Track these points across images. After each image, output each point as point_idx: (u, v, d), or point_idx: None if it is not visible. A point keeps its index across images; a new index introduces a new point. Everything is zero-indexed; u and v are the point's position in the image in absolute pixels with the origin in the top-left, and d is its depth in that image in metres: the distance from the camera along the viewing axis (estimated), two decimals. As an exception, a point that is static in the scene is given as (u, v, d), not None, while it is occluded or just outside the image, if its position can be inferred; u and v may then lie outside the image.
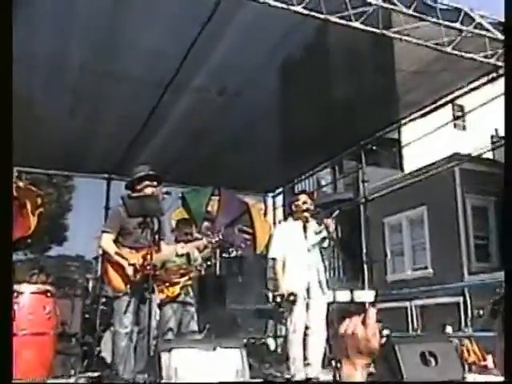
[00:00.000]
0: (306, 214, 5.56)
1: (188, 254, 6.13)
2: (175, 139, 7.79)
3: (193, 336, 5.94)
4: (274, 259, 5.61)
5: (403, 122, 7.96)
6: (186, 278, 6.15)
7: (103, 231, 4.78)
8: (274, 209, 11.12)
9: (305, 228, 5.58)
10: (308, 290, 5.35)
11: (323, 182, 15.84)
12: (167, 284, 6.10)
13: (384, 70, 6.41)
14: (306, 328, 5.37)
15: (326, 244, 5.69)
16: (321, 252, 5.65)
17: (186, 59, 5.83)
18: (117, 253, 4.75)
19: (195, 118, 7.23)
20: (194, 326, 6.04)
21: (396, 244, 15.83)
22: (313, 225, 5.69)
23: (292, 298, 5.26)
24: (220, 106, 6.94)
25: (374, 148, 8.74)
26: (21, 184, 8.53)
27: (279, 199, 11.48)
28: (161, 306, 6.14)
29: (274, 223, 10.77)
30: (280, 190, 11.23)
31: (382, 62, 6.26)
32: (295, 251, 5.47)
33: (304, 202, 5.62)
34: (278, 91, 6.79)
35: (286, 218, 6.36)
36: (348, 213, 13.48)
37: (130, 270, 4.66)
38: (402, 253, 15.69)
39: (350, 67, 6.31)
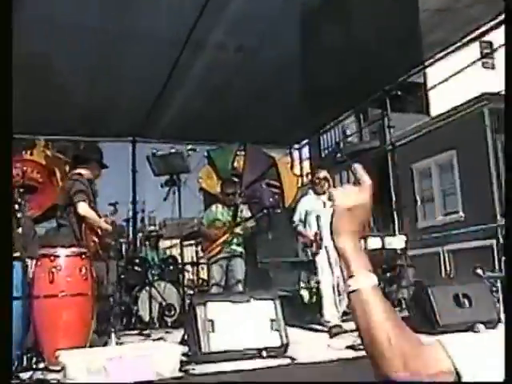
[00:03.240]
0: (325, 186, 5.96)
1: (235, 211, 6.39)
2: (197, 97, 7.74)
3: (236, 287, 6.31)
4: (297, 226, 6.06)
5: (428, 63, 7.74)
6: (228, 234, 6.45)
7: (78, 201, 4.81)
8: (301, 161, 11.07)
9: (325, 203, 5.83)
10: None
11: (348, 132, 15.66)
12: (211, 241, 6.44)
13: (406, 11, 6.18)
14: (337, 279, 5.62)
15: None
16: None
17: (201, 15, 5.74)
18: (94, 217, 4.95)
19: (216, 75, 7.16)
20: (239, 276, 6.40)
21: (426, 190, 15.64)
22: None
23: (318, 237, 5.64)
24: (239, 61, 6.85)
25: (399, 93, 8.56)
26: (48, 153, 8.69)
27: (305, 151, 11.42)
28: (208, 262, 6.54)
29: (301, 176, 10.76)
30: (305, 141, 11.15)
31: (404, 2, 6.05)
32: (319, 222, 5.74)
33: (323, 177, 6.01)
34: (297, 41, 6.65)
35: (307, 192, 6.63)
36: (375, 161, 13.34)
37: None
38: (432, 198, 15.51)
39: (369, 10, 6.10)
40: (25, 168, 4.63)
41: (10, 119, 2.12)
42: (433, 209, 15.45)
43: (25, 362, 3.79)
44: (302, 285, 7.60)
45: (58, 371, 3.52)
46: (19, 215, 4.31)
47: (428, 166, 15.34)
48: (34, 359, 3.93)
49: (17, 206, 4.33)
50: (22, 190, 4.29)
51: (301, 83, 7.91)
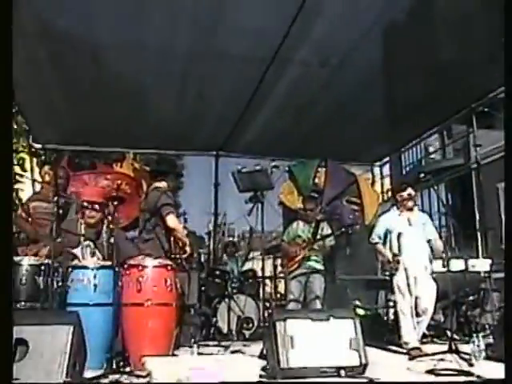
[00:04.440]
0: (409, 204, 5.77)
1: (316, 229, 6.46)
2: (280, 114, 7.86)
3: (314, 303, 6.40)
4: (375, 243, 5.95)
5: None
6: (307, 251, 6.55)
7: (168, 213, 4.98)
8: (382, 178, 10.94)
9: (409, 220, 5.75)
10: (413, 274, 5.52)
11: (431, 149, 15.30)
12: (291, 257, 6.64)
13: (498, 23, 5.97)
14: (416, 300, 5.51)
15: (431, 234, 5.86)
16: (429, 241, 5.81)
17: (288, 34, 5.86)
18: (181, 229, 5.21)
19: (299, 92, 7.24)
20: (318, 293, 6.48)
21: (513, 210, 14.95)
22: (417, 214, 5.89)
23: (396, 259, 5.54)
24: (323, 78, 6.90)
25: (487, 110, 8.28)
26: (136, 165, 9.11)
27: (386, 168, 11.29)
28: (286, 277, 6.65)
29: (382, 192, 10.63)
30: (387, 159, 11.03)
31: (497, 15, 5.85)
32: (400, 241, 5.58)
33: (409, 195, 5.79)
34: (382, 59, 6.61)
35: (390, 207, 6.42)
36: (459, 179, 12.95)
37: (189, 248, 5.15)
38: (519, 219, 14.82)
39: (458, 26, 5.95)
40: (119, 181, 4.87)
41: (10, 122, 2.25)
42: (520, 230, 14.76)
43: (114, 365, 3.99)
44: (381, 304, 7.49)
45: (144, 377, 3.69)
46: (112, 226, 4.55)
47: (516, 186, 14.69)
48: (121, 363, 4.14)
49: (110, 218, 4.58)
50: (115, 202, 4.52)
51: (384, 100, 7.83)
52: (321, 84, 7.05)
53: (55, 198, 4.45)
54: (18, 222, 5.51)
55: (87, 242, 5.05)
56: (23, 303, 4.32)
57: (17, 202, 7.16)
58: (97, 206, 5.04)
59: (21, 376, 3.18)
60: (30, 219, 5.48)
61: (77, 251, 4.89)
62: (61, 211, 4.74)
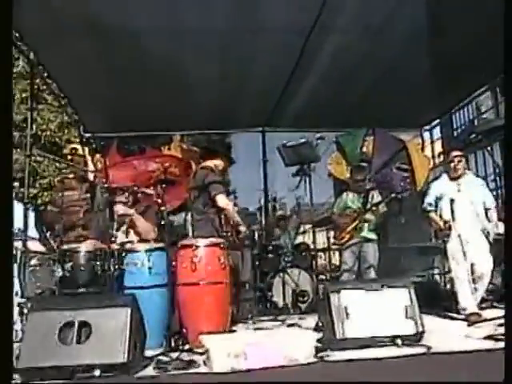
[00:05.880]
0: (460, 168, 5.68)
1: (366, 198, 6.57)
2: (324, 85, 7.74)
3: (369, 272, 6.43)
4: (428, 211, 5.86)
5: None
6: (358, 221, 6.55)
7: (218, 193, 5.01)
8: (432, 142, 10.67)
9: (459, 185, 5.67)
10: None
11: (483, 108, 14.76)
12: (342, 229, 6.64)
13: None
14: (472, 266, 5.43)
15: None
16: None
17: (325, 2, 5.74)
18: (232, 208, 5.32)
19: (341, 61, 7.10)
20: (372, 262, 6.50)
21: None
22: (468, 178, 5.78)
23: (447, 225, 5.45)
24: (365, 45, 6.74)
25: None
26: (184, 146, 9.23)
27: (436, 131, 11.00)
28: (340, 248, 6.82)
29: (433, 157, 10.40)
30: (436, 122, 10.73)
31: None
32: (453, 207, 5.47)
33: (459, 160, 5.70)
34: (426, 18, 6.37)
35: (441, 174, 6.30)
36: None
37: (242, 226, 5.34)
38: None
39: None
40: (166, 164, 4.96)
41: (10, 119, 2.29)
42: None
43: (172, 344, 4.11)
44: (436, 271, 7.39)
45: (202, 354, 3.79)
46: (162, 208, 4.64)
47: None
48: (180, 341, 4.26)
49: (159, 201, 4.67)
50: (164, 185, 4.61)
51: (430, 62, 7.57)
52: (363, 51, 6.88)
53: (105, 185, 4.57)
54: (50, 215, 5.69)
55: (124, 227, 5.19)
56: (83, 288, 4.47)
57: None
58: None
59: (86, 356, 3.34)
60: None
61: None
62: (88, 195, 4.87)
